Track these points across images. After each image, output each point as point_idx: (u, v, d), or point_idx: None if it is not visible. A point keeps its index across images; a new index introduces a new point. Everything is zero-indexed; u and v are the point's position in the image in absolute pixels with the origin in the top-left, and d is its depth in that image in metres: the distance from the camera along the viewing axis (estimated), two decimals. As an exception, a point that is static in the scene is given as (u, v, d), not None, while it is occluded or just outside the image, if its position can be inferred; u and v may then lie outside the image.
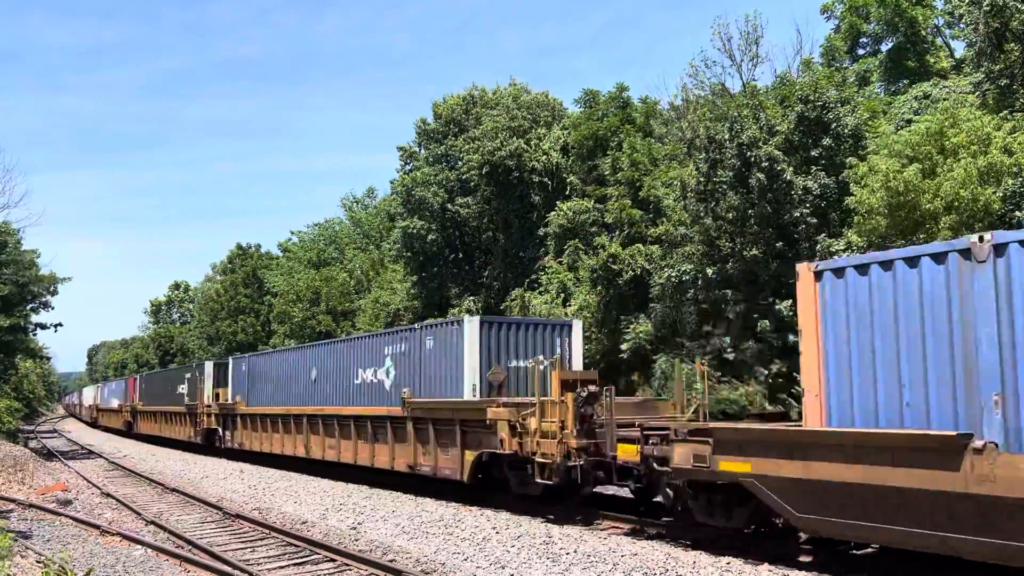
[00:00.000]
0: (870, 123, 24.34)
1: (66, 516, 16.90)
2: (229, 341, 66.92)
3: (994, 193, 18.16)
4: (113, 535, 14.73)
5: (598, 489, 16.30)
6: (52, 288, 35.99)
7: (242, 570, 11.49)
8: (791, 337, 21.07)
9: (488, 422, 16.02)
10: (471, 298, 40.16)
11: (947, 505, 8.83)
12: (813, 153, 24.13)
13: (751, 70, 31.62)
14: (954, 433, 8.91)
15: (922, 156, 19.06)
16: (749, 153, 23.66)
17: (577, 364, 18.51)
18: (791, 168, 23.60)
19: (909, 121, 23.28)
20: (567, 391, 14.72)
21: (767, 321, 23.62)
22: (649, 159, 31.14)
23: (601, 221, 32.24)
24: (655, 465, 12.67)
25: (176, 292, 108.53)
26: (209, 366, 35.26)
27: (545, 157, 38.11)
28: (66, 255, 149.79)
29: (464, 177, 41.46)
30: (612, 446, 13.67)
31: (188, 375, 36.81)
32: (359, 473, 22.73)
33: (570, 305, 30.67)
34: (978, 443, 8.67)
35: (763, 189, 23.54)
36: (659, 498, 14.32)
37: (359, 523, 15.56)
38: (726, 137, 24.34)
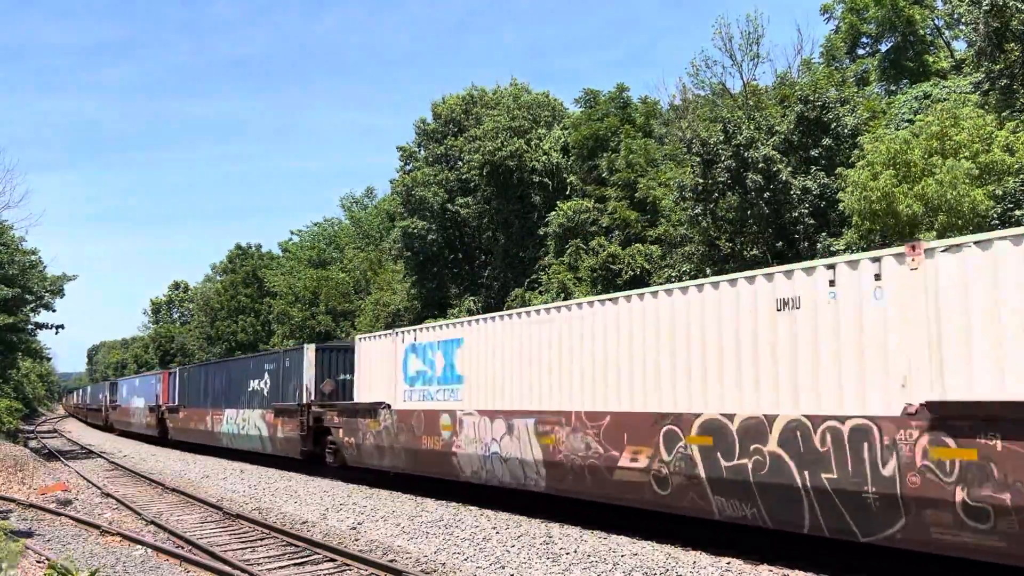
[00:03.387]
0: (870, 123, 24.37)
1: (66, 516, 16.90)
2: (229, 341, 66.94)
3: (990, 193, 18.16)
4: (113, 535, 14.73)
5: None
6: (57, 288, 35.90)
7: (242, 570, 11.49)
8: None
9: None
10: (471, 298, 40.18)
11: None
12: (813, 153, 24.16)
13: (752, 70, 31.59)
14: None
15: (903, 162, 19.03)
16: (745, 154, 23.68)
17: None
18: (788, 168, 23.61)
19: (910, 121, 23.30)
20: None
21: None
22: (646, 160, 31.18)
23: (600, 221, 32.28)
24: None
25: (176, 292, 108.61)
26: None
27: (545, 157, 38.15)
28: (66, 255, 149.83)
29: (464, 177, 41.51)
30: None
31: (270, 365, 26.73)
32: (359, 473, 22.73)
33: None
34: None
35: (760, 190, 23.56)
36: None
37: (359, 523, 15.56)
38: (720, 139, 24.36)
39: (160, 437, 41.03)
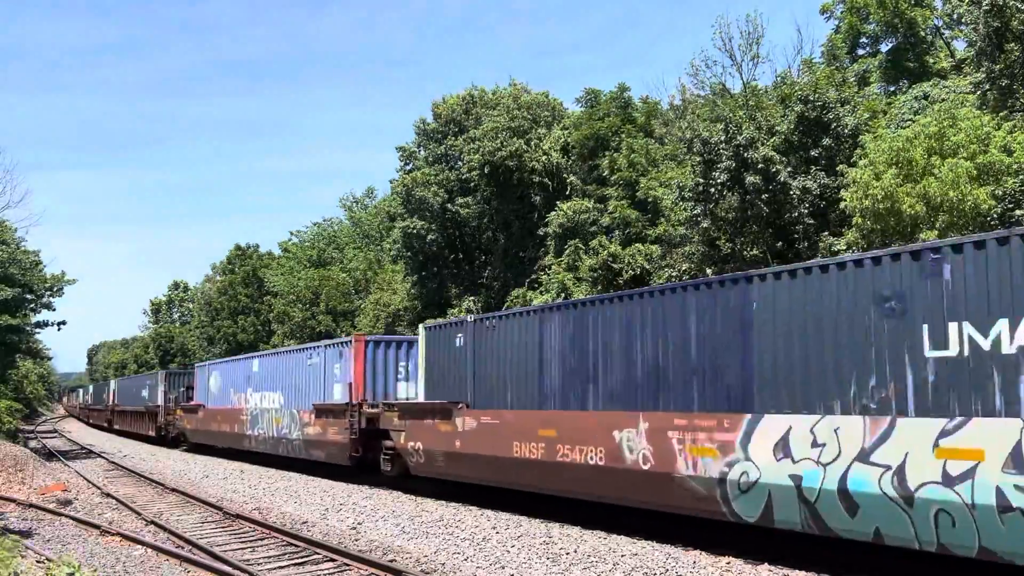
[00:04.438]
0: (870, 123, 24.37)
1: (66, 516, 16.90)
2: (229, 341, 66.96)
3: (991, 192, 18.16)
4: (113, 535, 14.72)
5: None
6: (57, 288, 35.81)
7: (242, 570, 11.49)
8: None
9: None
10: (471, 298, 40.18)
11: None
12: (813, 153, 24.16)
13: (751, 70, 31.63)
14: None
15: (905, 160, 19.04)
16: (745, 154, 23.69)
17: None
18: (788, 169, 23.62)
19: (911, 121, 23.27)
20: None
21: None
22: (647, 159, 31.18)
23: (600, 221, 32.29)
24: None
25: (176, 292, 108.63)
26: None
27: (545, 157, 38.16)
28: (66, 255, 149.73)
29: (464, 177, 41.51)
30: None
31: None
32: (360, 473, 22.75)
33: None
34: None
35: (759, 191, 23.57)
36: None
37: (359, 523, 15.56)
38: (721, 139, 24.37)
39: (362, 469, 22.16)
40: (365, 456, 21.41)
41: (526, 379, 15.96)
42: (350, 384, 21.81)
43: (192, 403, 35.70)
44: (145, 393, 45.55)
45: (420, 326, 19.86)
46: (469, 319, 18.04)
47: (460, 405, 17.66)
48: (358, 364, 21.94)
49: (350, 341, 22.24)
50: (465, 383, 17.72)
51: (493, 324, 17.23)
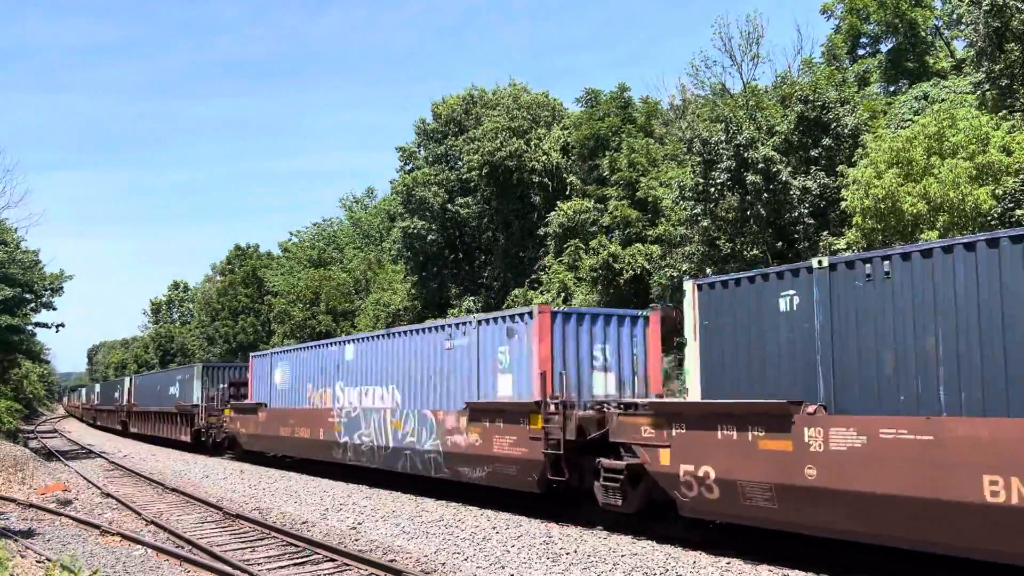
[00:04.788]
0: (870, 123, 24.38)
1: (66, 516, 16.90)
2: (229, 341, 66.97)
3: (991, 192, 18.16)
4: (113, 535, 14.72)
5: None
6: (57, 286, 35.69)
7: (242, 570, 11.49)
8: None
9: None
10: (471, 298, 40.20)
11: None
12: (813, 153, 24.16)
13: (751, 70, 31.69)
14: None
15: (905, 160, 19.05)
16: (745, 154, 23.70)
17: None
18: (788, 168, 23.63)
19: (911, 121, 23.28)
20: None
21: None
22: (647, 159, 31.22)
23: (601, 221, 32.32)
24: None
25: (176, 292, 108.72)
26: None
27: (545, 157, 38.18)
28: (66, 255, 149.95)
29: (464, 177, 41.54)
30: None
31: None
32: (361, 473, 22.73)
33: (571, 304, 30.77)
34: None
35: (759, 190, 23.58)
36: None
37: (359, 523, 15.55)
38: (722, 139, 24.38)
39: (553, 498, 15.94)
40: (568, 479, 14.58)
41: (991, 359, 9.14)
42: (542, 374, 15.09)
43: (248, 402, 28.98)
44: (174, 391, 38.29)
45: (688, 284, 13.15)
46: (817, 264, 11.07)
47: (812, 409, 10.67)
48: (543, 346, 15.27)
49: (528, 313, 15.82)
50: (811, 371, 10.98)
51: (886, 268, 10.26)
